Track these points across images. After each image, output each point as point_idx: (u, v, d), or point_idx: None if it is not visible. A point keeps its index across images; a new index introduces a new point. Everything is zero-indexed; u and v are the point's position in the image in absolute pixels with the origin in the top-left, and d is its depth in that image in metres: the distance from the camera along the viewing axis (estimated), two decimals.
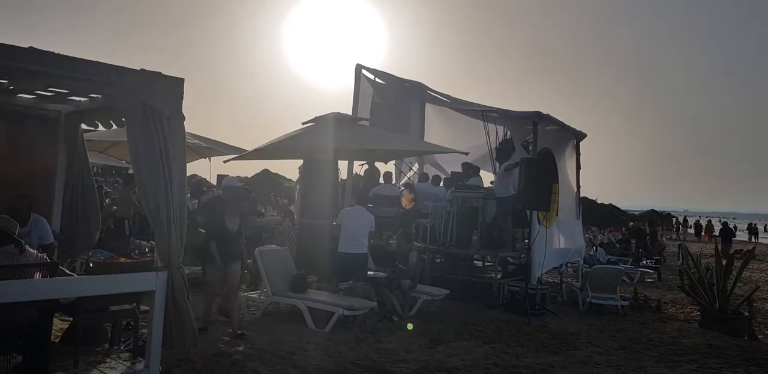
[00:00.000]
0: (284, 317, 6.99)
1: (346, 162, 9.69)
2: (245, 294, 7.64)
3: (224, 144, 11.87)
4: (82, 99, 4.90)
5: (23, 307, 3.63)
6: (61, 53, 3.38)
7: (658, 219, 31.87)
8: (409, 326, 6.83)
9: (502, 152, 9.78)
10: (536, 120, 9.40)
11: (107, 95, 4.01)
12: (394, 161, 12.03)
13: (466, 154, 9.70)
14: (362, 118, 9.87)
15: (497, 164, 10.29)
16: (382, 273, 7.78)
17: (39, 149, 5.44)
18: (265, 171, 22.49)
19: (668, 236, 36.79)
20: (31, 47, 3.28)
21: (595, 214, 20.21)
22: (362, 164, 11.19)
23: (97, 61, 3.55)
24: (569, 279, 10.63)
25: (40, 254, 4.60)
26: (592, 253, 13.52)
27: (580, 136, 11.72)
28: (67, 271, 4.57)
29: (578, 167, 11.82)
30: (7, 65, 3.32)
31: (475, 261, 11.09)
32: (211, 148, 11.48)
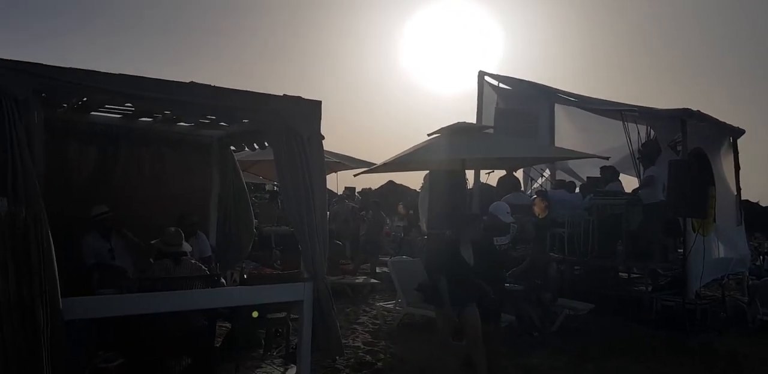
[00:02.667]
0: (420, 327, 7.05)
1: (472, 171, 9.59)
2: (380, 303, 7.86)
3: (352, 158, 12.30)
4: (232, 125, 5.40)
5: (192, 315, 4.03)
6: (217, 85, 3.76)
7: None
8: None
9: (647, 155, 9.07)
10: (685, 118, 8.60)
11: (254, 120, 4.39)
12: (522, 169, 11.70)
13: (607, 158, 9.10)
14: (487, 126, 9.72)
15: (641, 168, 9.58)
16: (518, 286, 7.56)
17: (195, 170, 6.07)
18: (390, 182, 23.04)
19: None
20: (192, 82, 3.69)
21: (759, 219, 18.08)
22: (488, 173, 11.00)
23: (246, 91, 3.91)
24: (732, 293, 9.56)
25: (199, 265, 5.13)
26: (758, 263, 12.04)
27: (736, 133, 10.53)
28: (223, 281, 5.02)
29: (737, 168, 10.60)
30: (171, 99, 3.77)
31: (620, 273, 10.36)
32: (341, 163, 11.95)
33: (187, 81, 3.69)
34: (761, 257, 13.13)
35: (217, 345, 4.75)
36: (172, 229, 4.50)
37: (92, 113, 5.09)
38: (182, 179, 6.00)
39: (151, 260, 4.57)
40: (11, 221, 2.73)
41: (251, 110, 4.00)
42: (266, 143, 5.09)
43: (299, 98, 4.11)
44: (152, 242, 4.66)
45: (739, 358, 6.27)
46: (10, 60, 3.20)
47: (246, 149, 5.70)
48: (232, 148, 5.89)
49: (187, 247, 4.47)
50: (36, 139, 3.31)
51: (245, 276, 5.29)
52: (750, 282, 9.33)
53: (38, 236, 2.79)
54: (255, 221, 10.69)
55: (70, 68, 3.37)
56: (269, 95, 4.00)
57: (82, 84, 3.44)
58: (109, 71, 3.48)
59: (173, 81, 3.65)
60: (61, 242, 4.33)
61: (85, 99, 4.24)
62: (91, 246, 5.08)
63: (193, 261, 4.50)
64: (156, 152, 5.81)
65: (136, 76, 3.56)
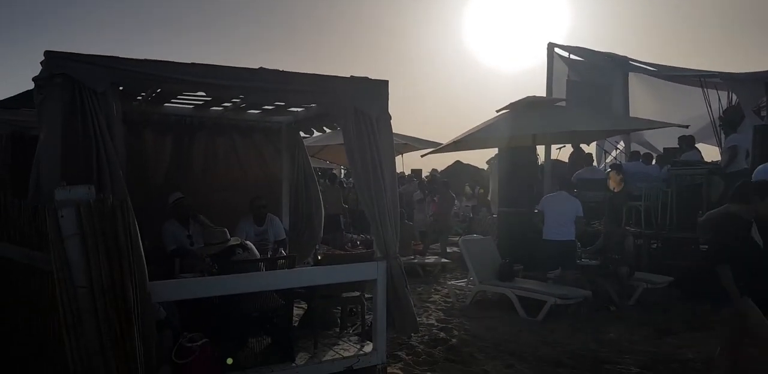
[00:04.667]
0: (493, 305, 7.03)
1: (543, 146, 9.35)
2: (452, 282, 7.87)
3: (419, 139, 12.25)
4: (300, 109, 5.47)
5: (271, 295, 4.17)
6: (284, 70, 3.81)
7: None
8: None
9: (730, 122, 8.56)
10: None
11: (322, 103, 4.43)
12: (595, 142, 11.30)
13: (687, 127, 8.66)
14: (559, 99, 9.43)
15: (722, 136, 9.05)
16: (593, 261, 7.38)
17: (267, 157, 6.21)
18: (458, 162, 22.84)
19: None
20: (261, 68, 3.76)
21: None
22: (559, 148, 10.72)
23: (312, 74, 3.95)
24: None
25: (277, 249, 5.27)
26: None
27: None
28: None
29: None
30: (243, 85, 3.86)
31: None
32: (408, 144, 11.93)
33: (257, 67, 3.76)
34: None
35: (295, 325, 4.91)
36: (211, 228, 4.51)
37: (166, 104, 5.29)
38: (254, 165, 6.16)
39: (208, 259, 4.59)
40: (100, 207, 2.87)
41: (319, 92, 4.04)
42: (336, 126, 5.12)
43: (366, 78, 4.11)
44: (200, 248, 4.67)
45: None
46: (88, 54, 3.36)
47: (315, 133, 5.77)
48: (301, 133, 5.99)
49: (235, 240, 4.42)
50: (116, 130, 3.48)
51: (319, 257, 5.39)
52: None
53: (125, 221, 2.92)
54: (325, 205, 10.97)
55: (145, 60, 3.51)
56: (336, 76, 4.02)
57: (156, 75, 3.58)
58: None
59: (243, 68, 3.74)
60: (144, 229, 4.59)
61: (159, 90, 4.40)
62: (170, 233, 5.28)
63: (254, 247, 4.55)
64: (228, 140, 5.97)
65: (208, 64, 3.66)
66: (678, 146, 9.71)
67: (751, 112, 8.60)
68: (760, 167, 5.78)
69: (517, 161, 8.60)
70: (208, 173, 5.94)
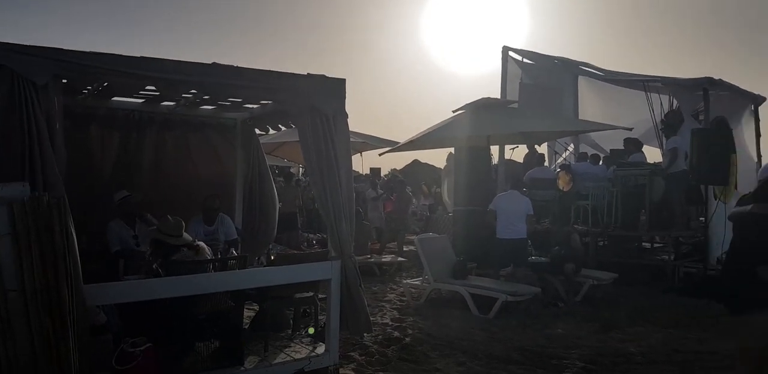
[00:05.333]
0: (447, 303, 7.11)
1: (497, 147, 9.52)
2: (407, 281, 7.91)
3: (377, 138, 12.27)
4: (255, 106, 5.38)
5: (219, 297, 4.07)
6: (239, 66, 3.73)
7: None
8: None
9: (669, 125, 8.97)
10: (707, 86, 8.48)
11: (279, 100, 4.36)
12: (546, 143, 11.61)
13: (631, 129, 9.01)
14: (512, 101, 9.63)
15: (664, 139, 9.45)
16: (543, 259, 7.57)
17: (220, 154, 6.06)
18: (416, 161, 23.02)
19: None
20: (215, 63, 3.67)
21: None
22: (512, 148, 10.95)
23: (268, 70, 3.89)
24: None
25: (228, 249, 5.14)
26: None
27: (758, 100, 10.41)
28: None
29: (758, 135, 10.54)
30: (195, 80, 3.76)
31: (643, 243, 10.34)
32: (366, 143, 11.92)
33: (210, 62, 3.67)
34: None
35: (246, 327, 4.82)
36: (170, 218, 4.37)
37: (114, 98, 5.10)
38: (207, 162, 6.01)
39: (147, 248, 4.45)
40: (35, 205, 2.73)
41: (275, 89, 3.98)
42: (291, 124, 5.06)
43: (323, 76, 4.07)
44: (150, 229, 4.59)
45: (760, 321, 6.25)
46: (29, 45, 3.20)
47: (270, 130, 5.67)
48: (257, 130, 5.88)
49: (187, 238, 4.34)
50: (56, 125, 3.30)
51: (272, 258, 5.31)
52: None
53: (62, 220, 2.79)
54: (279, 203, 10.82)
55: (91, 52, 3.36)
56: (292, 73, 3.97)
57: (102, 68, 3.42)
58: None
59: (195, 62, 3.64)
60: (87, 228, 4.39)
61: (106, 84, 4.24)
62: (115, 232, 5.08)
63: (206, 248, 4.46)
64: (180, 136, 5.80)
65: (158, 58, 3.54)
66: (624, 147, 10.08)
67: (690, 116, 9.01)
68: None
69: (471, 160, 8.73)
70: (158, 170, 5.75)
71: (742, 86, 9.71)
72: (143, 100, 5.20)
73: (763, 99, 10.50)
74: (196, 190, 5.64)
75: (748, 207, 3.61)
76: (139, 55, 3.52)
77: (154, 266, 4.06)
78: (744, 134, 10.12)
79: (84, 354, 2.95)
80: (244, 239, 5.79)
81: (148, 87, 4.10)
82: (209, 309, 4.03)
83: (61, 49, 3.29)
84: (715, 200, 8.35)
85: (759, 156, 10.57)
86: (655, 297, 7.52)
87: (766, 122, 10.63)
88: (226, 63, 3.69)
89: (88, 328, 3.09)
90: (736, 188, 9.00)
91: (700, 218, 8.87)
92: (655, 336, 5.74)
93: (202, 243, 4.48)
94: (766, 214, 3.51)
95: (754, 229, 3.52)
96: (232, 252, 5.15)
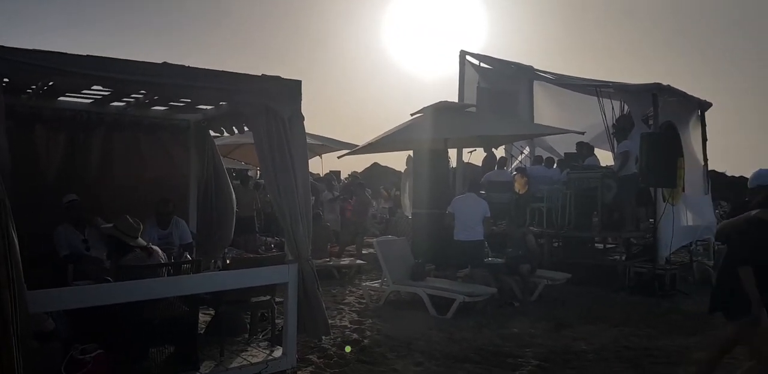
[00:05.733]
0: (406, 305, 7.14)
1: (456, 150, 9.63)
2: (366, 283, 7.91)
3: (336, 141, 12.22)
4: (209, 107, 5.29)
5: (173, 302, 3.99)
6: (190, 66, 3.67)
7: None
8: None
9: (620, 129, 9.25)
10: (656, 92, 8.78)
11: (232, 101, 4.31)
12: (503, 146, 11.80)
13: (583, 133, 9.27)
14: (469, 104, 9.77)
15: (615, 143, 9.74)
16: (499, 260, 7.70)
17: (174, 156, 5.94)
18: (375, 164, 23.07)
19: None
20: (165, 62, 3.59)
21: (725, 188, 18.56)
22: (470, 151, 11.09)
23: (222, 71, 3.83)
24: (700, 258, 9.89)
25: (182, 253, 5.04)
26: None
27: (704, 106, 10.80)
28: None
29: (704, 139, 10.93)
30: (144, 80, 3.67)
31: (596, 244, 10.63)
32: (325, 145, 11.86)
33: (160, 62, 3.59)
34: None
35: (201, 332, 4.73)
36: (130, 218, 4.28)
37: (60, 98, 4.94)
38: (159, 164, 5.88)
39: (103, 250, 4.39)
40: None
41: (228, 90, 3.92)
42: (245, 127, 4.99)
43: (278, 77, 4.04)
44: (104, 226, 4.49)
45: (706, 318, 6.52)
46: None
47: (225, 133, 5.59)
48: (211, 132, 5.78)
49: (142, 242, 4.25)
50: None
51: (228, 262, 5.23)
52: (716, 248, 9.65)
53: (2, 224, 2.69)
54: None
55: (34, 50, 3.24)
56: (246, 74, 3.93)
57: (46, 66, 3.31)
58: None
59: (144, 62, 3.55)
60: (32, 231, 4.23)
61: (51, 83, 4.10)
62: (63, 237, 4.90)
63: (159, 251, 4.38)
64: (130, 137, 5.65)
65: (105, 57, 3.44)
66: (576, 151, 10.33)
67: (640, 121, 9.31)
68: None
69: (429, 163, 8.81)
70: (107, 172, 5.60)
71: (690, 92, 10.09)
72: (91, 100, 5.05)
73: (710, 105, 10.90)
74: (149, 193, 5.52)
75: (751, 213, 3.63)
76: (85, 54, 3.41)
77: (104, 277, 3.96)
78: (691, 138, 10.48)
79: (29, 362, 2.83)
80: (199, 243, 5.69)
81: (95, 87, 3.99)
82: (163, 314, 3.94)
83: (2, 46, 3.16)
84: (664, 202, 8.63)
85: (705, 160, 10.96)
86: (606, 296, 7.76)
87: (712, 127, 11.08)
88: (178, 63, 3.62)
89: (32, 335, 2.97)
90: (683, 190, 9.36)
91: (650, 220, 9.16)
92: (606, 333, 5.91)
93: (156, 247, 4.39)
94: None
95: (755, 234, 3.58)
96: (186, 256, 5.06)
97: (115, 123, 5.48)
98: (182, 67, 3.67)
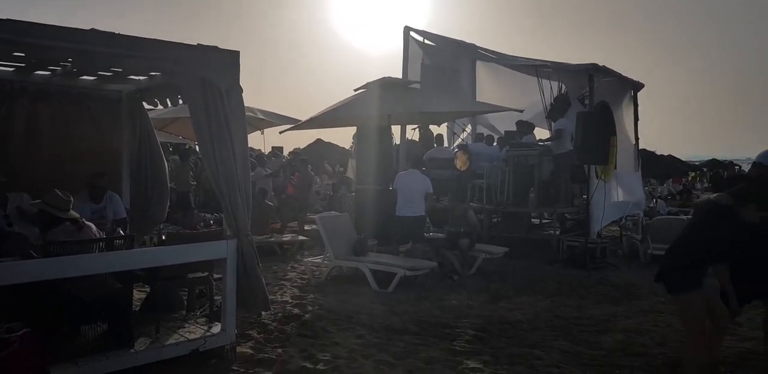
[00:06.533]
0: (348, 280, 7.21)
1: (399, 127, 9.64)
2: (308, 259, 7.92)
3: (278, 115, 11.97)
4: (142, 78, 5.06)
5: (106, 278, 3.86)
6: (121, 33, 3.48)
7: (720, 168, 30.32)
8: None
9: (557, 108, 9.52)
10: (592, 73, 9.03)
11: (166, 71, 4.14)
12: (446, 123, 11.92)
13: (521, 111, 9.47)
14: (413, 81, 9.77)
15: (551, 122, 10.02)
16: (440, 235, 7.86)
17: (104, 128, 5.68)
18: (319, 141, 22.82)
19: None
20: (93, 29, 3.40)
21: (654, 166, 19.52)
22: (414, 128, 11.14)
23: (155, 39, 3.66)
24: (629, 232, 10.44)
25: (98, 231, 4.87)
26: (652, 205, 13.14)
27: (637, 86, 11.22)
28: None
29: (636, 119, 11.37)
30: (70, 47, 3.47)
31: (532, 219, 11.01)
32: (266, 120, 11.62)
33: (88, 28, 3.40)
34: (654, 200, 14.36)
35: (137, 309, 4.62)
36: (59, 192, 4.12)
37: None
38: (89, 137, 5.60)
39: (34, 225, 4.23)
40: None
41: (161, 59, 3.76)
42: (179, 99, 4.81)
43: (215, 47, 3.91)
44: (32, 202, 4.32)
45: (632, 289, 6.98)
46: None
47: (159, 105, 5.38)
48: (145, 104, 5.55)
49: (74, 214, 4.10)
50: None
51: (163, 237, 5.09)
52: (644, 223, 10.19)
53: None
54: (172, 183, 10.32)
55: None
56: (180, 43, 3.76)
57: None
58: None
59: (69, 28, 3.35)
60: None
61: None
62: None
63: (93, 226, 4.22)
64: (57, 108, 5.35)
65: (26, 21, 3.22)
66: (517, 129, 10.57)
67: (577, 100, 9.59)
68: None
69: (373, 139, 8.80)
70: (32, 145, 5.29)
71: (624, 73, 10.43)
72: (13, 68, 4.73)
73: (642, 85, 11.31)
74: (78, 167, 5.27)
75: (713, 198, 3.77)
76: (5, 18, 3.18)
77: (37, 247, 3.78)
78: (624, 117, 10.87)
79: None
80: (132, 218, 5.51)
81: (16, 53, 3.73)
82: (94, 292, 3.82)
83: None
84: (597, 179, 8.98)
85: (637, 139, 11.43)
86: (541, 269, 8.09)
87: (644, 107, 11.52)
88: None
89: None
90: (615, 167, 9.76)
91: (583, 196, 9.53)
92: (540, 304, 6.18)
93: (90, 223, 4.22)
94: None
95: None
96: (119, 232, 4.90)
97: (39, 93, 5.17)
98: (111, 34, 3.48)
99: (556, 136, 9.18)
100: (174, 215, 8.49)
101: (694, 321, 3.65)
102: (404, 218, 7.37)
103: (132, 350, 3.80)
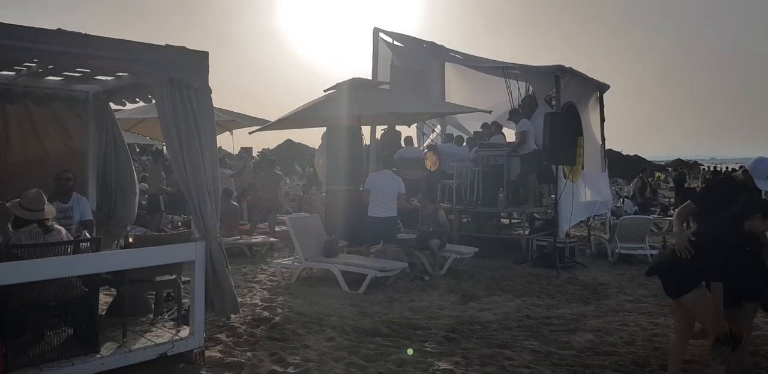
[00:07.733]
0: (318, 281, 7.19)
1: (369, 127, 9.68)
2: (278, 260, 7.87)
3: (247, 116, 11.91)
4: (109, 78, 4.97)
5: (71, 282, 3.78)
6: (87, 33, 3.42)
7: (685, 168, 31.34)
8: None
9: (515, 111, 9.71)
10: (558, 74, 9.21)
11: (134, 72, 4.08)
12: (416, 124, 11.99)
13: (489, 112, 9.61)
14: (383, 82, 9.81)
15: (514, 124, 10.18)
16: (411, 235, 7.91)
17: (70, 129, 5.56)
18: (288, 141, 22.73)
19: (697, 186, 36.29)
20: (59, 29, 3.33)
21: (620, 166, 19.99)
22: (384, 129, 11.19)
23: (122, 39, 3.60)
24: (597, 232, 10.66)
25: (67, 232, 4.78)
26: (619, 205, 13.47)
27: (603, 87, 11.48)
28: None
29: (602, 119, 11.64)
30: (36, 48, 3.38)
31: (502, 219, 11.15)
32: (235, 121, 11.53)
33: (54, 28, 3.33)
34: (621, 199, 14.71)
35: (103, 313, 4.53)
36: (33, 191, 4.02)
37: None
38: (54, 138, 5.50)
39: (10, 227, 4.14)
40: None
41: (128, 60, 3.70)
42: (150, 98, 4.74)
43: (183, 47, 3.86)
44: (6, 204, 4.22)
45: (600, 288, 7.13)
46: None
47: (127, 105, 5.29)
48: (111, 104, 5.45)
49: (50, 212, 4.01)
50: None
51: (130, 240, 5.00)
52: (611, 222, 10.43)
53: None
54: (144, 185, 10.13)
55: None
56: (148, 44, 3.71)
57: None
58: None
59: (34, 27, 3.27)
60: None
61: None
62: None
63: (62, 229, 4.13)
64: (22, 109, 5.23)
65: None
66: (483, 129, 10.71)
67: (544, 101, 9.76)
68: None
69: (343, 140, 8.80)
70: None
71: (590, 74, 10.67)
72: None
73: (608, 87, 11.58)
74: (42, 169, 5.17)
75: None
76: None
77: None
78: (590, 118, 11.12)
79: None
80: (99, 221, 5.40)
81: None
82: (59, 296, 3.74)
83: None
84: (564, 179, 9.16)
85: (603, 139, 11.71)
86: (510, 268, 8.20)
87: (609, 108, 11.79)
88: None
89: None
90: (582, 167, 9.98)
91: (552, 196, 9.71)
92: (510, 303, 6.27)
93: (59, 226, 4.12)
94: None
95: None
96: (86, 234, 4.80)
97: (3, 93, 5.03)
98: (78, 34, 3.41)
99: (521, 138, 9.32)
100: (144, 217, 8.35)
101: (707, 314, 3.65)
102: (376, 219, 7.39)
103: (98, 355, 3.74)
